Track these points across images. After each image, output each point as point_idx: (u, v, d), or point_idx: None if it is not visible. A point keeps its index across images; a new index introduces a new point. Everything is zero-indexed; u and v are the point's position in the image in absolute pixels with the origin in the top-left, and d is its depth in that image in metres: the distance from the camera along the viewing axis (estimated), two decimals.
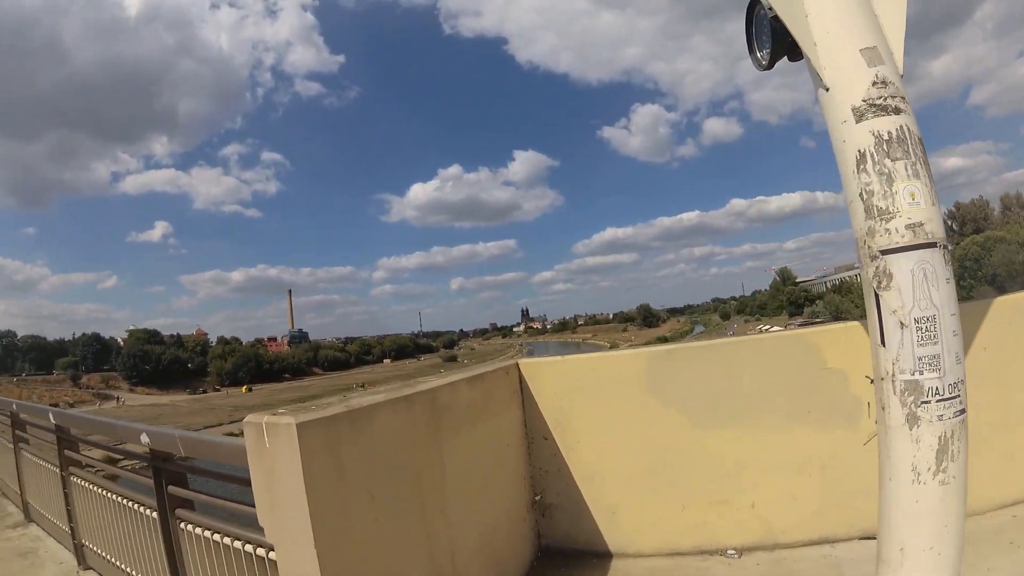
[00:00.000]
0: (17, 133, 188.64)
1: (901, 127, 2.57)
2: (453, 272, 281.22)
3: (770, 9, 2.98)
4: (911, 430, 2.52)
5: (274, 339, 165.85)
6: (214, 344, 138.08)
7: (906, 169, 2.54)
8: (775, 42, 3.05)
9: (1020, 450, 4.06)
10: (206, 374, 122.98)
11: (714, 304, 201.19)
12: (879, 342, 2.57)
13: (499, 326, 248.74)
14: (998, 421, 3.89)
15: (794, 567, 3.83)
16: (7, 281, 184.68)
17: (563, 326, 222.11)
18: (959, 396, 2.49)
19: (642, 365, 4.27)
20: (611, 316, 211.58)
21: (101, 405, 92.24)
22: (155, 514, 3.52)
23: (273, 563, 2.51)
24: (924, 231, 2.53)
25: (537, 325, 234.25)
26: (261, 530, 2.48)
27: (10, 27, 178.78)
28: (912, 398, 2.51)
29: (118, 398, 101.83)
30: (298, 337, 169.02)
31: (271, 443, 2.26)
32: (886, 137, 2.55)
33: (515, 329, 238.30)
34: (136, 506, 3.83)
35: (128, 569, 4.08)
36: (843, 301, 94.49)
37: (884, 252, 2.52)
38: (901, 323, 2.52)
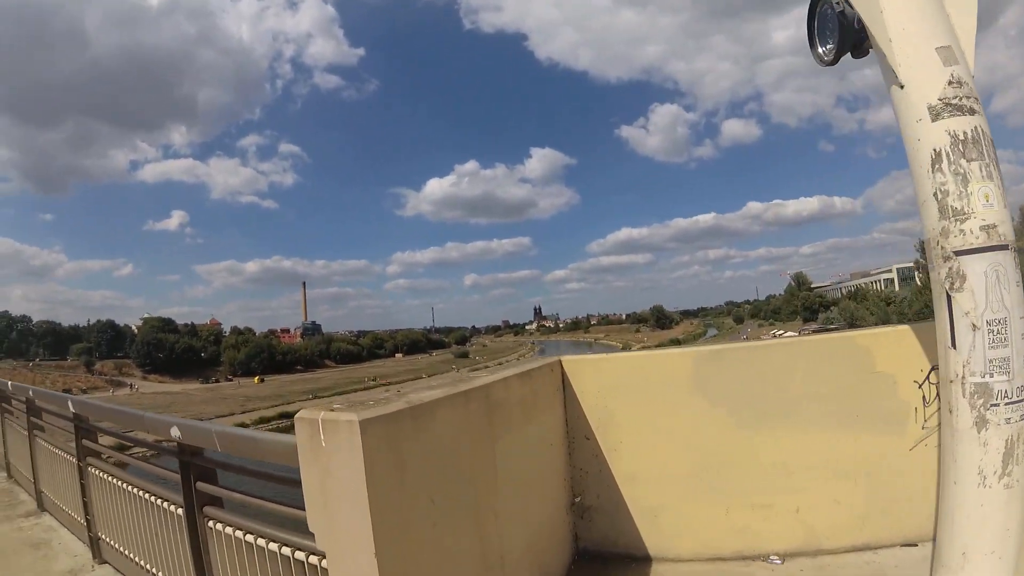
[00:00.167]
0: (37, 119, 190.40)
1: (975, 128, 2.55)
2: (467, 268, 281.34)
3: (838, 3, 2.97)
4: (979, 433, 2.49)
5: (287, 330, 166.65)
6: (227, 334, 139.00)
7: (981, 171, 2.51)
8: (841, 37, 3.02)
9: None
10: (219, 364, 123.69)
11: (728, 307, 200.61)
12: (949, 344, 2.54)
13: (511, 324, 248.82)
14: None
15: (838, 573, 3.77)
16: (24, 266, 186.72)
17: (575, 325, 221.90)
18: None
19: (689, 365, 4.21)
20: (624, 317, 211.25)
21: (114, 392, 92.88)
22: (180, 510, 3.37)
23: (316, 569, 2.40)
24: (997, 233, 2.51)
25: (549, 324, 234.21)
26: (302, 532, 2.38)
27: (33, 14, 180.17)
28: (981, 401, 2.48)
29: (131, 385, 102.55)
30: (311, 329, 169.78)
31: (328, 441, 2.13)
32: (961, 137, 2.53)
33: (527, 327, 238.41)
34: (159, 501, 3.67)
35: (147, 566, 3.93)
36: (858, 308, 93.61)
37: (958, 253, 2.50)
38: (973, 325, 2.49)
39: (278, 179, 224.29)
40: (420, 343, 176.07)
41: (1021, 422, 2.48)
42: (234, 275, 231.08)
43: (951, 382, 2.56)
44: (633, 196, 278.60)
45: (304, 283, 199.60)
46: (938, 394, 3.80)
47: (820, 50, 3.26)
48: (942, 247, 2.55)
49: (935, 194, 2.56)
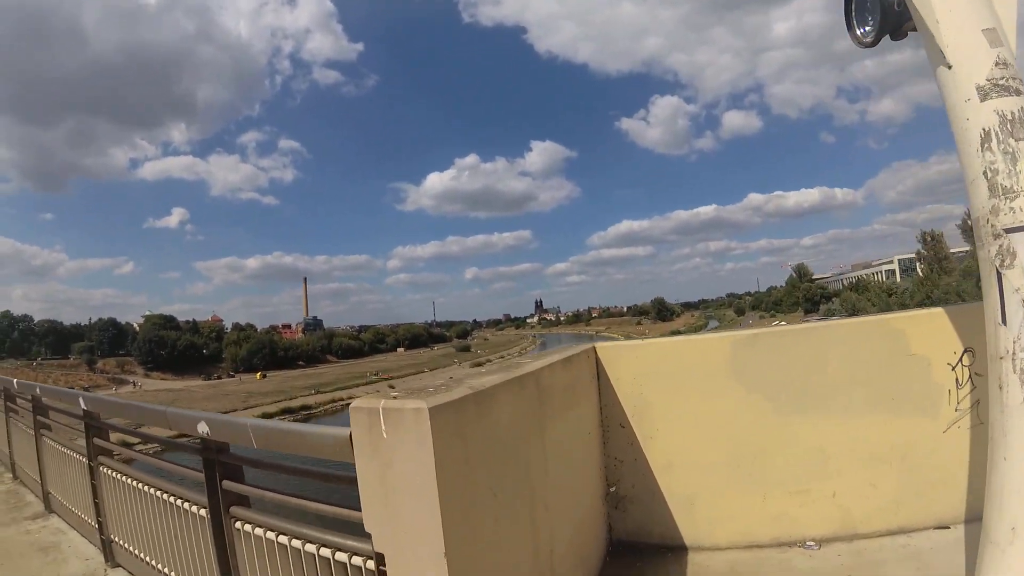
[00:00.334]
0: (36, 118, 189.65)
1: (1022, 108, 2.58)
2: (468, 262, 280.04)
3: None
4: None
5: (288, 326, 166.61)
6: (229, 330, 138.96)
7: None
8: (882, 19, 3.05)
9: None
10: (221, 360, 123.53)
11: (729, 299, 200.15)
12: (1000, 321, 2.56)
13: (512, 317, 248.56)
14: None
15: (875, 557, 3.78)
16: (25, 266, 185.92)
17: (577, 318, 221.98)
18: None
19: (726, 350, 4.20)
20: (625, 309, 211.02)
21: (117, 390, 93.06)
22: (202, 511, 3.22)
23: (361, 570, 2.27)
24: None
25: (551, 317, 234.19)
26: (344, 532, 2.32)
27: (31, 12, 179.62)
28: None
29: (134, 383, 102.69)
30: (312, 324, 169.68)
31: (390, 432, 1.99)
32: (1010, 117, 2.55)
33: (528, 320, 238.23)
34: (179, 501, 3.51)
35: (165, 569, 3.77)
36: (860, 299, 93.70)
37: (1008, 231, 2.52)
38: None
39: (278, 175, 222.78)
40: (422, 337, 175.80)
41: None
42: (235, 272, 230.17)
43: (1001, 358, 2.57)
44: (634, 189, 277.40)
45: (305, 279, 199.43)
46: (971, 377, 3.85)
47: (858, 32, 3.29)
48: (992, 225, 2.57)
49: (984, 173, 2.57)
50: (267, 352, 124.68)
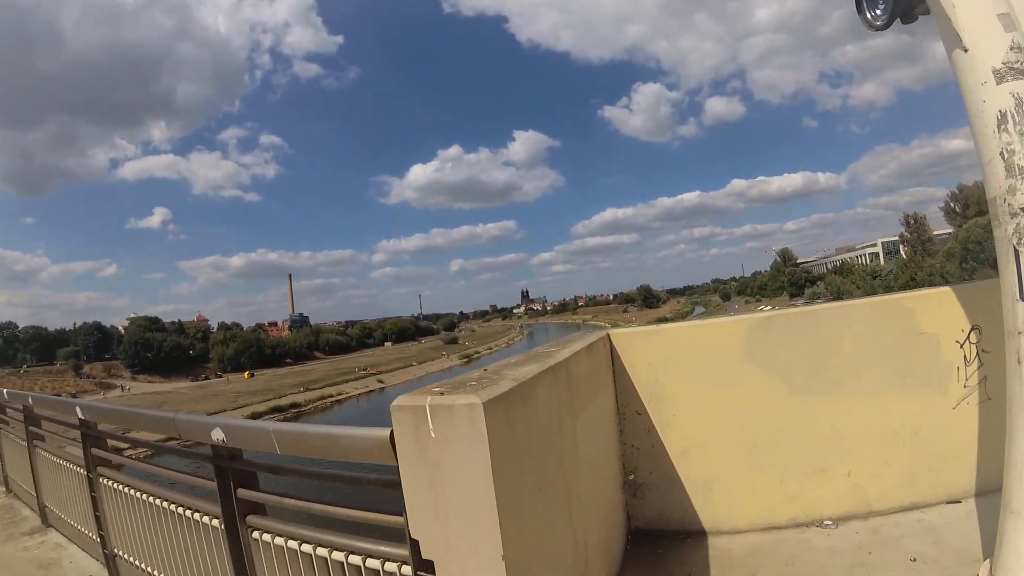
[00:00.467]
0: (14, 121, 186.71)
1: None
2: (453, 254, 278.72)
3: None
4: None
5: (275, 324, 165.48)
6: (215, 330, 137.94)
7: None
8: (895, 2, 3.10)
9: None
10: (208, 360, 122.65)
11: (714, 285, 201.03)
12: (1017, 297, 2.63)
13: (499, 308, 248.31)
14: None
15: (892, 533, 3.85)
16: (7, 272, 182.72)
17: (563, 307, 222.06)
18: None
19: (741, 333, 4.23)
20: (611, 297, 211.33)
21: (105, 394, 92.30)
22: (215, 521, 3.03)
23: None
24: None
25: (537, 307, 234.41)
26: (374, 538, 2.23)
27: (7, 12, 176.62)
28: None
29: (122, 386, 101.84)
30: (299, 321, 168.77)
31: (440, 430, 1.88)
32: None
33: (515, 311, 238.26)
34: (189, 512, 3.31)
35: None
36: (844, 282, 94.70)
37: None
38: None
39: (260, 171, 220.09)
40: (409, 331, 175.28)
41: None
42: (219, 270, 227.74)
43: (1020, 333, 2.64)
44: (617, 176, 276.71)
45: (290, 275, 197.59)
46: (978, 354, 3.93)
47: (869, 15, 3.33)
48: (1008, 204, 2.62)
49: (1001, 154, 2.63)
50: (254, 351, 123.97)
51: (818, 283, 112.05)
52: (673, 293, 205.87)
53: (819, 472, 4.11)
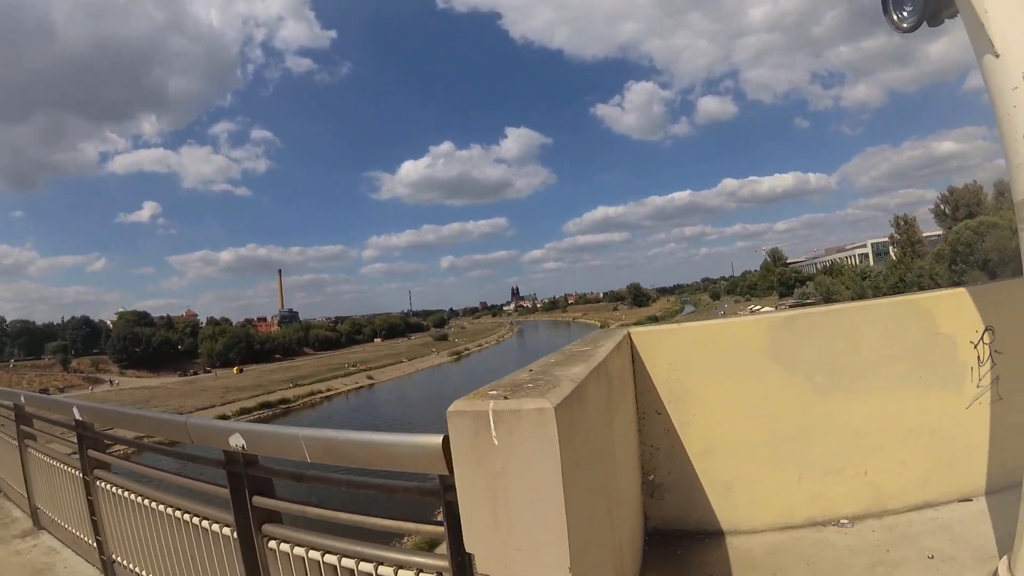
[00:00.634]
0: (3, 114, 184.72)
1: None
2: (444, 250, 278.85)
3: None
4: None
5: (264, 319, 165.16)
6: (204, 325, 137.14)
7: None
8: (924, 5, 3.13)
9: None
10: (196, 355, 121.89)
11: (704, 284, 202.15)
12: None
13: (489, 305, 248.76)
14: None
15: (908, 531, 3.90)
16: None
17: (553, 305, 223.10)
18: None
19: (763, 332, 4.24)
20: (601, 295, 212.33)
21: (93, 389, 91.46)
22: (227, 529, 2.90)
23: None
24: None
25: (527, 304, 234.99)
26: (404, 549, 2.20)
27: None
28: None
29: (111, 381, 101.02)
30: (288, 317, 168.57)
31: (504, 436, 1.78)
32: None
33: (505, 308, 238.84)
34: (197, 520, 3.14)
35: None
36: (833, 283, 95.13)
37: None
38: None
39: (251, 166, 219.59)
40: (399, 327, 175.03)
41: None
42: (209, 265, 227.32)
43: None
44: (609, 175, 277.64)
45: (280, 271, 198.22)
46: (991, 354, 4.02)
47: (895, 16, 3.36)
48: None
49: None
50: (243, 346, 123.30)
51: (808, 283, 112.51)
52: (663, 292, 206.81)
53: (837, 471, 4.14)
